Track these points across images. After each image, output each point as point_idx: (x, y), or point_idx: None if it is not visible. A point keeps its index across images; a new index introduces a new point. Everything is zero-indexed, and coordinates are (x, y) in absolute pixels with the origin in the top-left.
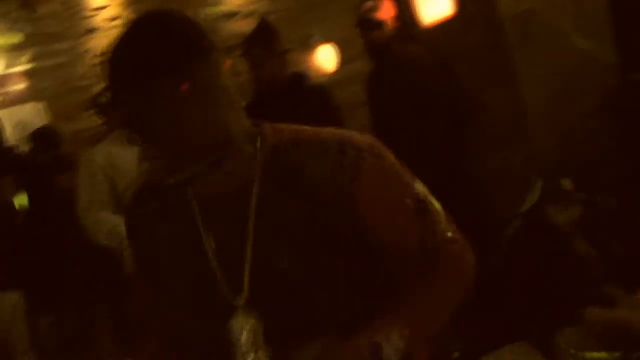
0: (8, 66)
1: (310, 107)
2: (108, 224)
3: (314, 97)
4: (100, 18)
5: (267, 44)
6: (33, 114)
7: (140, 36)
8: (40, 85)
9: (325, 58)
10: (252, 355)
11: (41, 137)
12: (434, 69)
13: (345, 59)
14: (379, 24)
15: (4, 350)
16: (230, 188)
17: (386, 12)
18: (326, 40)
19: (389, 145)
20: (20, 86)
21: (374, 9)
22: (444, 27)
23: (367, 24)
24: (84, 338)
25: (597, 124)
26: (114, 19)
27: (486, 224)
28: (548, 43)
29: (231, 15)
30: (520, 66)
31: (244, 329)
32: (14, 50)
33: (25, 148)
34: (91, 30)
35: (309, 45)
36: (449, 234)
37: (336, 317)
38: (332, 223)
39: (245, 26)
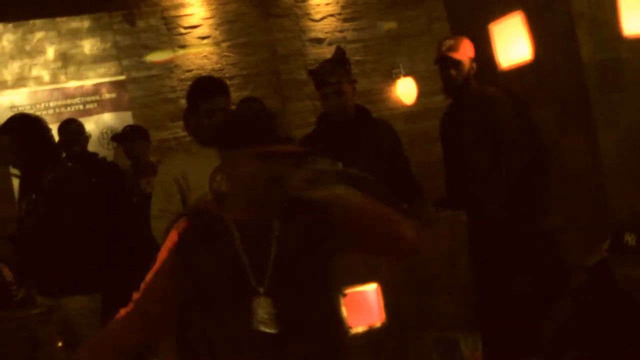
0: (103, 75)
1: (376, 139)
2: None
3: (379, 130)
4: (191, 36)
5: (345, 73)
6: (120, 122)
7: None
8: (132, 95)
9: (405, 91)
10: (264, 325)
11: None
12: (510, 111)
13: (427, 92)
14: (456, 63)
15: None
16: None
17: (464, 53)
18: (409, 72)
19: (458, 180)
20: (112, 95)
21: (452, 48)
22: (523, 71)
23: (445, 61)
24: None
25: None
26: (204, 37)
27: (552, 275)
28: (632, 93)
29: (319, 41)
30: (600, 115)
31: (262, 307)
32: (110, 60)
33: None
34: (182, 47)
35: (391, 76)
36: None
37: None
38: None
39: (330, 53)
